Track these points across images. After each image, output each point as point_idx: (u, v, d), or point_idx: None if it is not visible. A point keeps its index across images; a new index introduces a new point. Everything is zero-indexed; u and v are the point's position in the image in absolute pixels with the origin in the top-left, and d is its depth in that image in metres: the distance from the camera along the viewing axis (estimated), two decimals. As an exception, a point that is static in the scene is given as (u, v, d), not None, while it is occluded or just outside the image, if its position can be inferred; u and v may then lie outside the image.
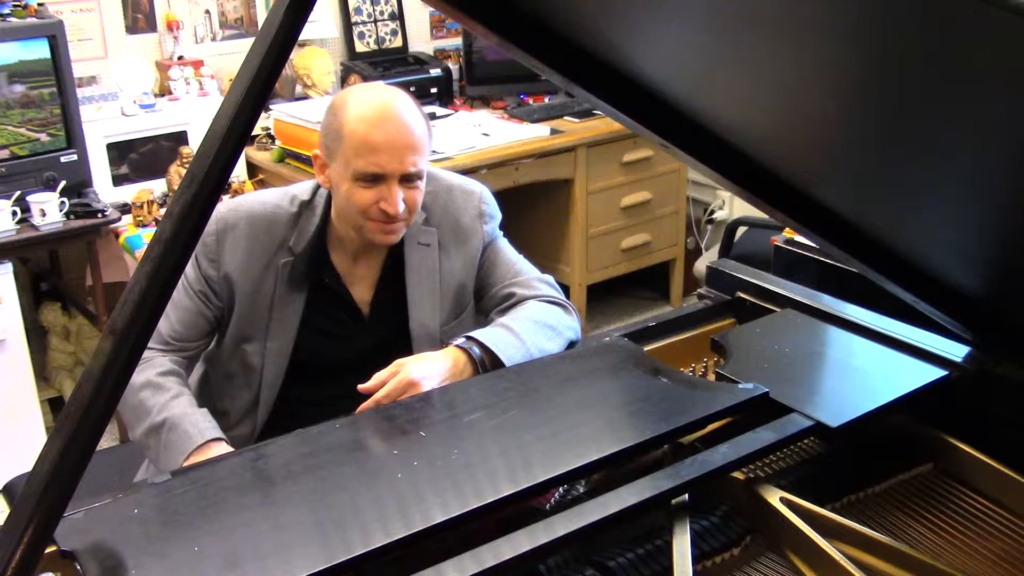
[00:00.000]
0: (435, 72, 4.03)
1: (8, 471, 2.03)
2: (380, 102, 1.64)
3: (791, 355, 1.50)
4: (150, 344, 1.69)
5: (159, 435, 1.57)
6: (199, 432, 1.55)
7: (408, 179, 1.64)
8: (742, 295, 1.76)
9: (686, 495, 1.22)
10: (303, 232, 1.71)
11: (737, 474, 1.27)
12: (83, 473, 0.93)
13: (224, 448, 1.55)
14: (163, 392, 1.63)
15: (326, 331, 1.76)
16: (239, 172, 3.51)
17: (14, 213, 2.90)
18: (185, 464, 1.51)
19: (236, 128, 0.95)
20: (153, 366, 1.67)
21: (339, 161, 1.64)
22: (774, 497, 1.23)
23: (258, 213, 1.72)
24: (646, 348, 1.59)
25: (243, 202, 1.75)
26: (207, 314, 1.73)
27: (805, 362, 1.51)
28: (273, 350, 1.72)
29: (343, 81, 3.97)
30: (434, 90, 4.01)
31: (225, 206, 1.72)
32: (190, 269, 1.72)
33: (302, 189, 1.77)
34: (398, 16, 4.15)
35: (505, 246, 1.86)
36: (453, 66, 4.20)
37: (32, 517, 0.91)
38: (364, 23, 4.08)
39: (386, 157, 1.61)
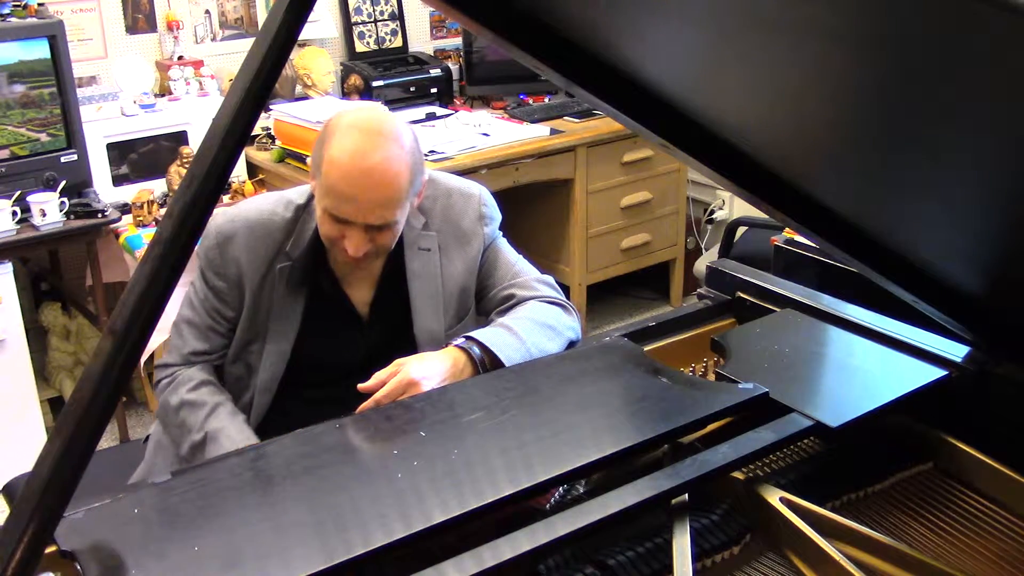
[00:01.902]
0: (435, 72, 4.03)
1: (8, 471, 2.03)
2: (360, 151, 1.54)
3: (791, 355, 1.50)
4: (171, 361, 1.74)
5: (201, 452, 1.63)
6: (233, 445, 1.59)
7: (377, 227, 1.61)
8: (742, 295, 1.76)
9: (686, 495, 1.22)
10: (300, 237, 1.71)
11: (737, 474, 1.27)
12: (83, 473, 0.93)
13: None
14: (200, 409, 1.67)
15: (326, 335, 1.75)
16: (239, 172, 3.51)
17: (14, 213, 2.90)
18: None
19: (236, 128, 0.94)
20: (183, 383, 1.70)
21: (317, 188, 1.62)
22: (774, 497, 1.23)
23: (255, 220, 1.72)
24: (646, 348, 1.59)
25: (239, 211, 1.74)
26: (219, 328, 1.74)
27: (805, 362, 1.50)
28: (271, 353, 1.72)
29: (343, 81, 3.97)
30: (434, 90, 4.01)
31: (222, 217, 1.72)
32: (199, 286, 1.73)
33: (298, 193, 1.76)
34: (398, 16, 4.15)
35: (505, 247, 1.86)
36: (453, 66, 4.20)
37: (32, 517, 0.91)
38: (364, 23, 4.08)
39: (352, 209, 1.57)
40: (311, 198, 1.74)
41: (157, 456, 1.78)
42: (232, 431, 1.63)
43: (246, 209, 1.75)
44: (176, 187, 2.79)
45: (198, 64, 3.64)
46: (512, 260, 1.84)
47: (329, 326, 1.76)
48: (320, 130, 1.65)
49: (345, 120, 1.60)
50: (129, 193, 3.24)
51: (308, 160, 1.72)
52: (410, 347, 1.75)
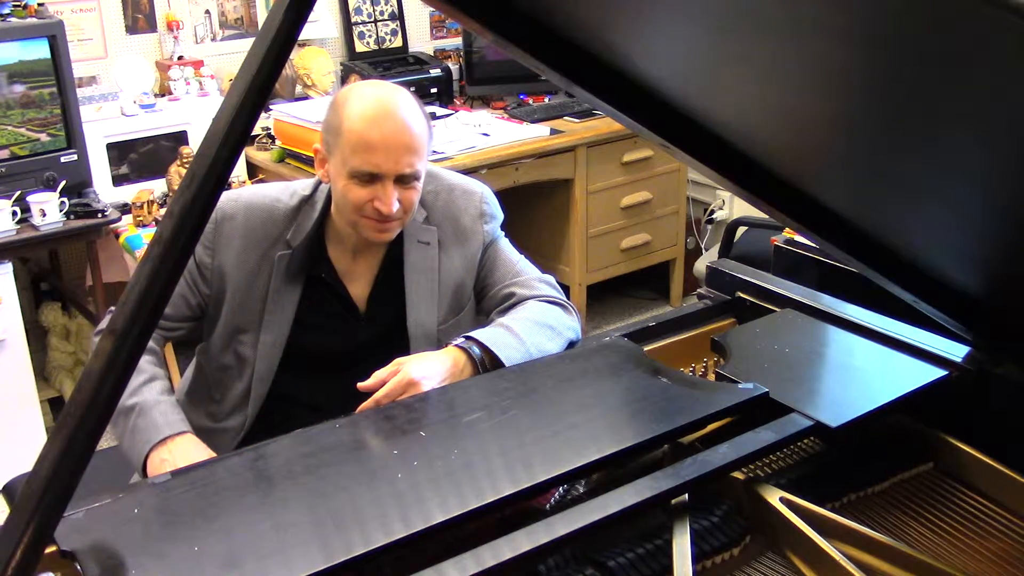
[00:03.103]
0: (435, 72, 4.03)
1: (8, 471, 2.03)
2: (380, 101, 1.64)
3: (791, 355, 1.50)
4: None
5: (128, 418, 1.60)
6: (167, 424, 1.57)
7: (404, 180, 1.65)
8: (742, 295, 1.76)
9: (686, 495, 1.22)
10: (301, 226, 1.72)
11: (737, 474, 1.27)
12: (83, 473, 0.93)
13: (191, 441, 1.57)
14: (137, 374, 1.64)
15: (321, 326, 1.76)
16: (239, 172, 3.51)
17: (14, 213, 2.90)
18: (151, 454, 1.54)
19: (236, 128, 0.95)
20: None
21: (337, 157, 1.64)
22: (774, 497, 1.23)
23: (257, 205, 1.73)
24: (646, 348, 1.59)
25: (243, 193, 1.76)
26: (190, 299, 1.74)
27: (805, 362, 1.50)
28: (266, 343, 1.72)
29: (343, 81, 3.97)
30: (434, 90, 4.01)
31: (225, 196, 1.72)
32: None
33: (303, 185, 1.79)
34: (398, 16, 4.15)
35: (506, 246, 1.86)
36: (453, 66, 4.20)
37: (32, 517, 0.91)
38: (364, 23, 4.08)
39: (382, 157, 1.61)
40: (316, 189, 1.76)
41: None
42: (166, 408, 1.60)
43: (250, 193, 1.77)
44: (176, 187, 2.79)
45: (198, 64, 3.64)
46: (513, 259, 1.84)
47: (325, 318, 1.76)
48: (327, 112, 1.69)
49: (354, 89, 1.70)
50: (129, 193, 3.24)
51: (313, 150, 1.73)
52: (404, 340, 1.76)
